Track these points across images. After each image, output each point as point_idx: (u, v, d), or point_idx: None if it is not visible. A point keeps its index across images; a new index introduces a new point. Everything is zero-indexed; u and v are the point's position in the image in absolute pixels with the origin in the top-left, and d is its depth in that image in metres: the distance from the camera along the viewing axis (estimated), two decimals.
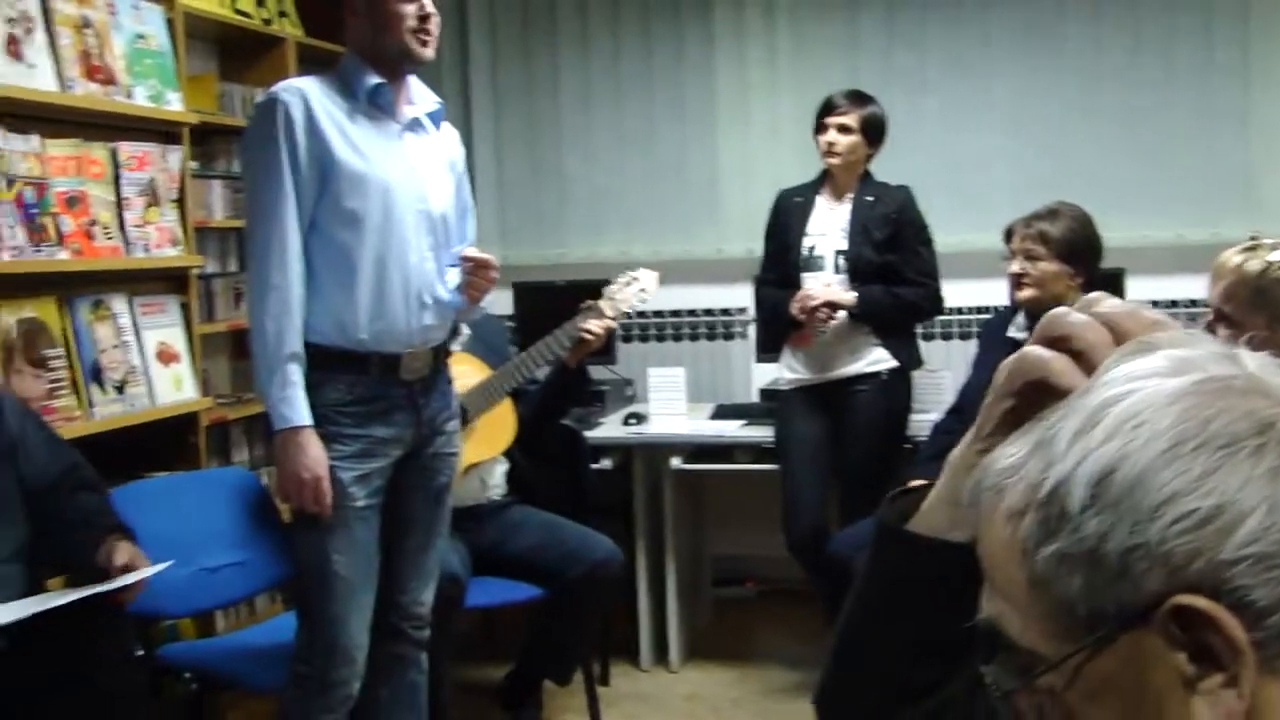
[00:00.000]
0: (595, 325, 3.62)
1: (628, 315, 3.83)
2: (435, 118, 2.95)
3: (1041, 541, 0.81)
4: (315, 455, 2.68)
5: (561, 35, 5.47)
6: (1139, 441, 0.79)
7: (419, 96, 2.91)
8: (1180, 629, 0.76)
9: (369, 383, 2.77)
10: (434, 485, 2.97)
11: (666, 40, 5.37)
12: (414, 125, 2.88)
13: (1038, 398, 0.88)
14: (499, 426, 3.72)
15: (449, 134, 3.04)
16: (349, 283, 2.73)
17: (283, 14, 4.79)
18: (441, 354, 2.94)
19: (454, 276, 2.93)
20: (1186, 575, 0.76)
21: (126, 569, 2.57)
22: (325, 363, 2.74)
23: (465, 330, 3.81)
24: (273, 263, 2.68)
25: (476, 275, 2.89)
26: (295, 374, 2.68)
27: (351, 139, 2.73)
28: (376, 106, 2.80)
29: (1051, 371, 0.88)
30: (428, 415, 2.89)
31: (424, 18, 2.75)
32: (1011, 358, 0.92)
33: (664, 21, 5.37)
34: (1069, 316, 0.90)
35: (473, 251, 2.92)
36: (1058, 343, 0.90)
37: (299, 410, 2.68)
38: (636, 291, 3.71)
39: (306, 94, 2.71)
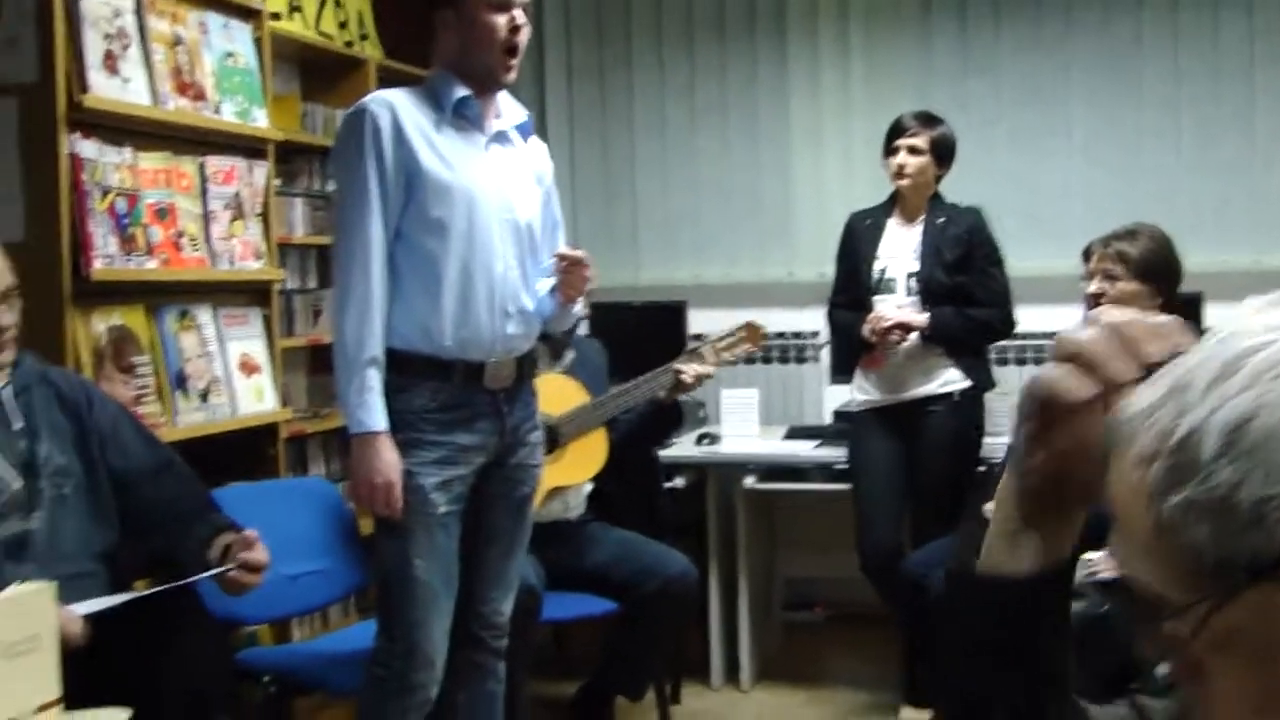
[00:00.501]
0: (697, 370, 3.66)
1: (732, 364, 3.86)
2: (524, 130, 2.99)
3: (1170, 488, 0.81)
4: (389, 460, 2.71)
5: (636, 59, 5.53)
6: (1277, 392, 0.79)
7: (507, 110, 2.95)
8: None
9: (453, 390, 2.79)
10: (516, 495, 2.99)
11: (741, 64, 5.41)
12: (501, 138, 2.92)
13: (1057, 416, 0.90)
14: (590, 453, 3.75)
15: (537, 147, 3.07)
16: (434, 290, 2.76)
17: (364, 36, 4.87)
18: (527, 364, 2.95)
19: (543, 286, 2.96)
20: None
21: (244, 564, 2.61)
22: (410, 369, 2.77)
23: (570, 353, 3.86)
24: (356, 269, 2.72)
25: (571, 273, 2.90)
26: (374, 379, 2.71)
27: (438, 149, 2.77)
28: (463, 118, 2.84)
29: (1058, 390, 0.90)
30: (511, 424, 2.90)
31: (515, 29, 2.77)
32: (1026, 382, 0.94)
33: (738, 45, 5.41)
34: (1076, 333, 0.92)
35: (567, 249, 2.94)
36: (1070, 360, 0.91)
37: (375, 415, 2.70)
38: (744, 343, 3.75)
39: (394, 105, 2.75)
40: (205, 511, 2.80)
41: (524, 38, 2.81)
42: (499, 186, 2.85)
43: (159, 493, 2.79)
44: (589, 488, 3.88)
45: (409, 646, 2.78)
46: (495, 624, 3.01)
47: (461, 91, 2.81)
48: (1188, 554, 0.80)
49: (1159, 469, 0.82)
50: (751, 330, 3.80)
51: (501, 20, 2.76)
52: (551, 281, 2.97)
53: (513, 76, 2.84)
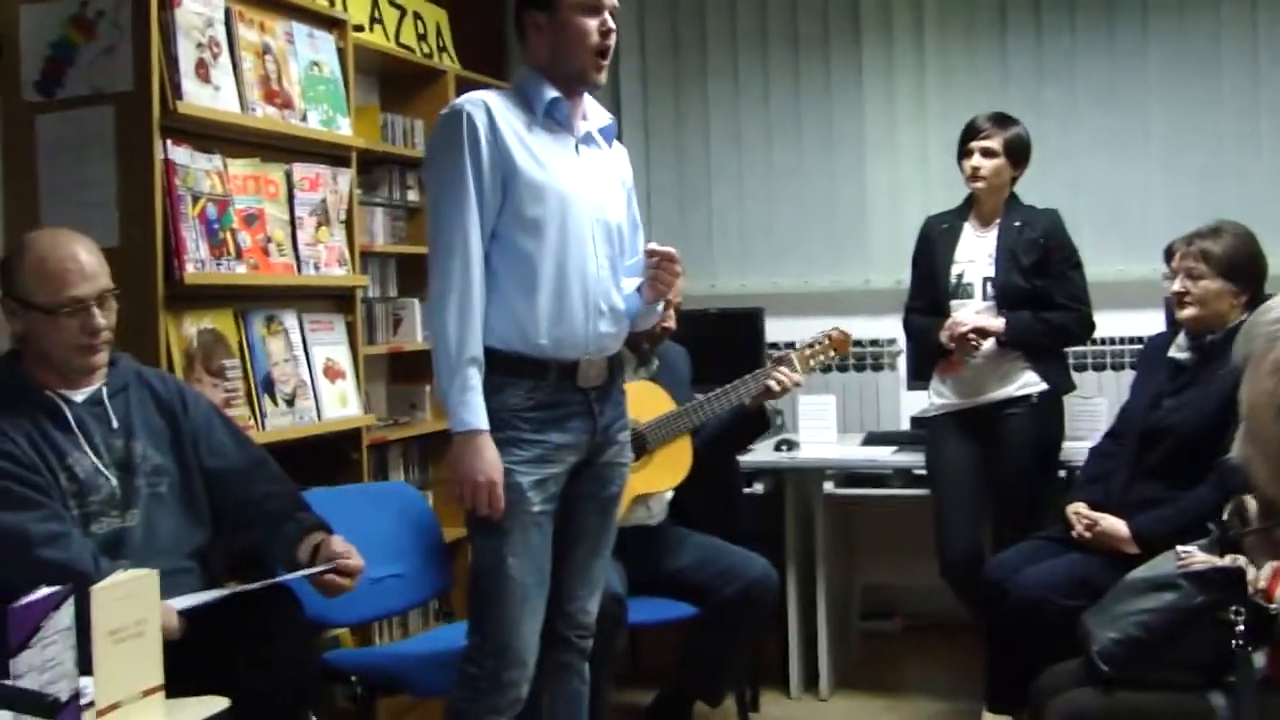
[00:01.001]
0: (785, 378, 3.67)
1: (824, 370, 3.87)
2: (607, 134, 3.00)
3: None
4: (490, 459, 2.71)
5: (711, 69, 5.56)
6: None
7: (593, 113, 2.97)
8: None
9: (548, 389, 2.80)
10: (604, 494, 2.99)
11: (815, 73, 5.42)
12: (588, 139, 2.93)
13: None
14: (675, 461, 3.75)
15: (620, 150, 3.09)
16: (530, 289, 2.76)
17: (442, 49, 4.93)
18: (617, 363, 2.96)
19: (629, 285, 2.97)
20: None
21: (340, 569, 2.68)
22: (506, 368, 2.77)
23: (655, 361, 3.87)
24: (455, 269, 2.72)
25: (662, 269, 2.90)
26: (474, 378, 2.71)
27: (531, 149, 2.79)
28: (554, 120, 2.86)
29: None
30: (603, 423, 2.90)
31: (606, 32, 2.79)
32: None
33: (812, 54, 5.42)
34: None
35: (656, 245, 2.94)
36: None
37: (477, 414, 2.70)
38: (829, 351, 3.74)
39: (489, 105, 2.77)
40: (295, 511, 2.85)
41: (613, 40, 2.83)
42: (590, 187, 2.86)
43: (251, 491, 2.85)
44: (671, 494, 3.88)
45: (501, 645, 2.78)
46: (582, 623, 3.00)
47: (552, 93, 2.83)
48: None
49: None
50: (838, 337, 3.79)
51: (593, 23, 2.78)
52: (637, 281, 2.98)
53: (603, 78, 2.86)
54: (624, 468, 3.03)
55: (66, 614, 1.84)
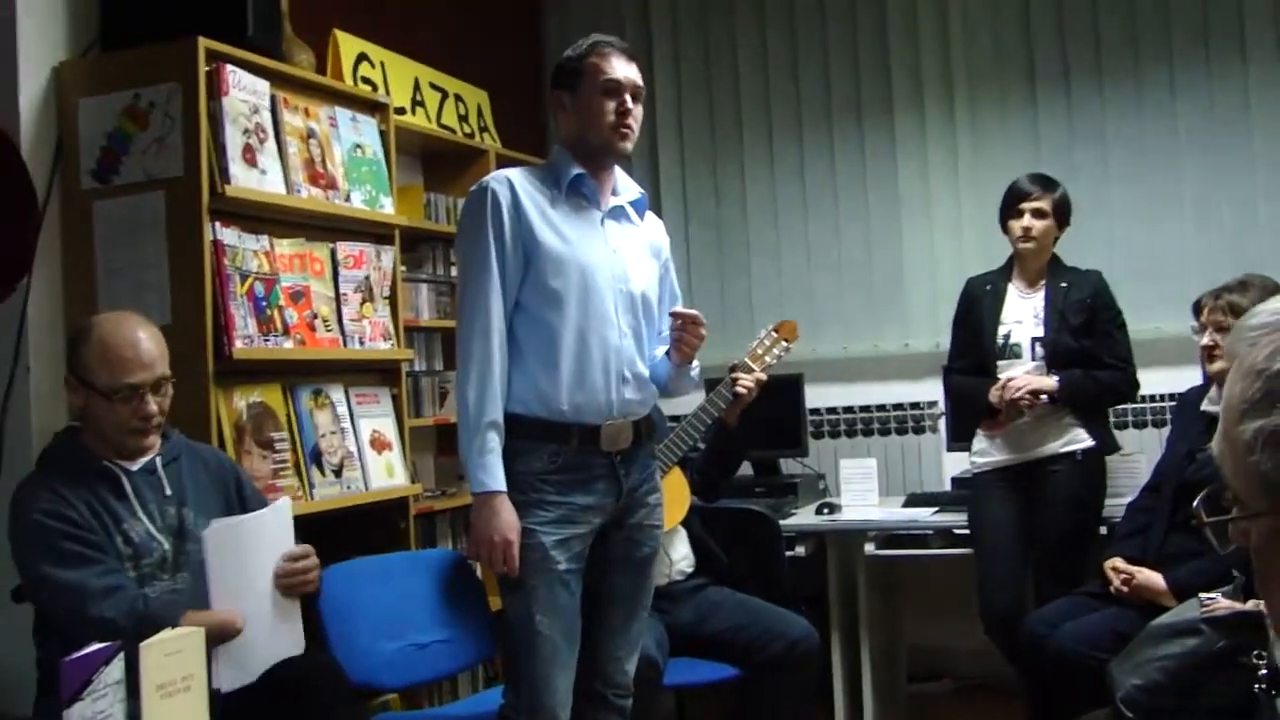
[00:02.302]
0: (747, 380, 3.71)
1: (777, 361, 3.87)
2: (639, 206, 3.12)
3: (1256, 410, 0.86)
4: (506, 520, 2.81)
5: (747, 144, 5.68)
6: None
7: (624, 187, 3.10)
8: None
9: (570, 452, 2.89)
10: (637, 556, 3.06)
11: (848, 143, 5.52)
12: (617, 213, 3.05)
13: None
14: (674, 495, 3.78)
15: (653, 223, 3.21)
16: (552, 358, 2.87)
17: (484, 128, 5.08)
18: (644, 428, 3.04)
19: (659, 352, 3.07)
20: None
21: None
22: (530, 432, 2.88)
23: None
24: (476, 337, 2.86)
25: (686, 331, 2.99)
26: (493, 441, 2.83)
27: (553, 223, 2.92)
28: (580, 194, 2.99)
29: None
30: (629, 485, 2.98)
31: (623, 113, 2.93)
32: None
33: (845, 125, 5.52)
34: None
35: (680, 308, 3.05)
36: None
37: (494, 476, 2.82)
38: (779, 342, 3.78)
39: (513, 181, 2.92)
40: None
41: (636, 117, 2.97)
42: (614, 259, 2.97)
43: None
44: (685, 539, 3.93)
45: (534, 701, 2.85)
46: (620, 683, 3.06)
47: (576, 170, 2.96)
48: (1254, 472, 0.86)
49: (1257, 389, 0.87)
50: (785, 325, 3.82)
51: (611, 104, 2.93)
52: (666, 346, 3.06)
53: (628, 146, 2.98)
54: (656, 530, 3.10)
55: (117, 668, 1.93)
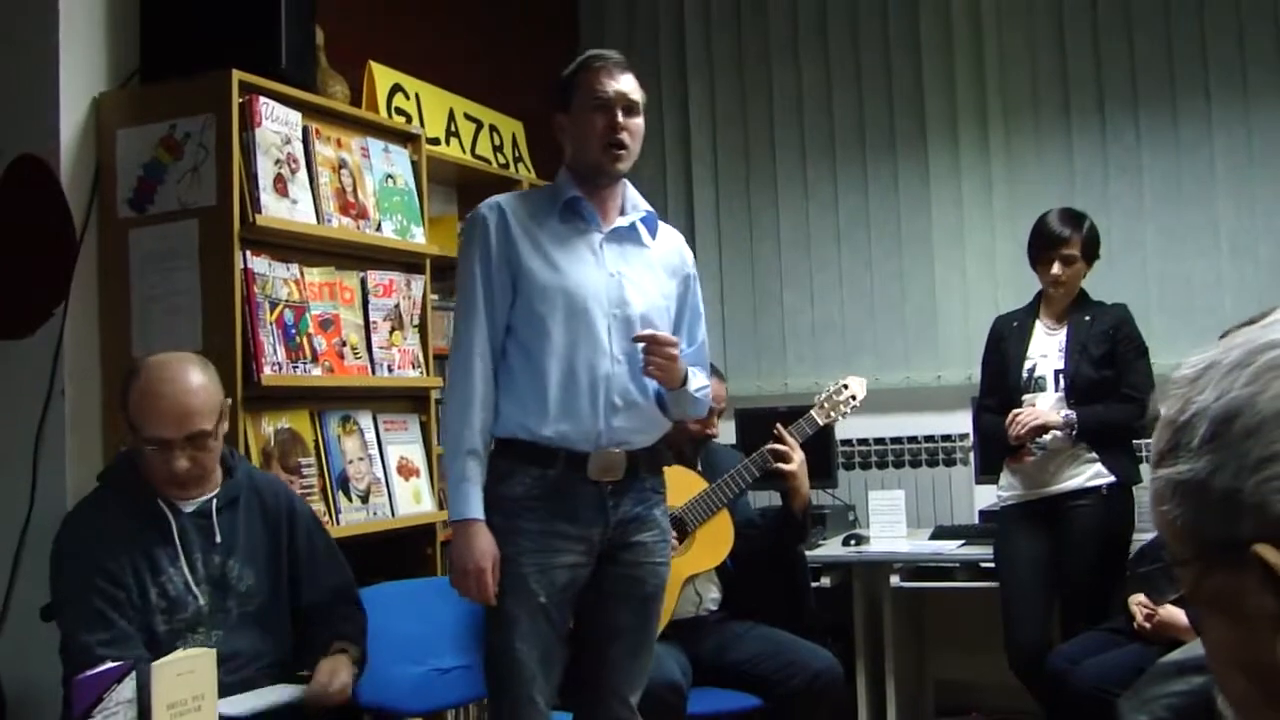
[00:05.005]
0: (784, 448, 3.76)
1: (841, 417, 3.93)
2: (649, 224, 3.04)
3: (1161, 461, 0.88)
4: (481, 548, 2.77)
5: (780, 175, 5.70)
6: (1268, 393, 0.83)
7: (633, 206, 3.03)
8: (1265, 573, 0.81)
9: (554, 478, 2.84)
10: (641, 593, 2.97)
11: (882, 175, 5.53)
12: (620, 234, 2.98)
13: None
14: (717, 538, 3.83)
15: (669, 240, 3.11)
16: (539, 383, 2.84)
17: (518, 158, 5.13)
18: (642, 458, 2.95)
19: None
20: (1273, 528, 0.80)
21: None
22: (514, 455, 2.85)
23: (699, 465, 3.95)
24: (459, 367, 2.87)
25: (652, 354, 2.84)
26: (473, 470, 2.80)
27: (543, 248, 2.88)
28: (578, 217, 2.94)
29: None
30: (617, 518, 2.89)
31: (612, 128, 2.87)
32: None
33: (879, 156, 5.54)
34: None
35: (645, 332, 2.89)
36: None
37: (471, 504, 2.79)
38: (847, 398, 3.81)
39: (504, 207, 2.91)
40: (339, 624, 2.93)
41: (632, 132, 2.90)
42: (610, 283, 2.91)
43: (328, 621, 2.93)
44: (716, 583, 3.94)
45: None
46: (623, 718, 2.98)
47: (572, 192, 2.92)
48: (1165, 521, 0.87)
49: (1166, 440, 0.89)
50: (853, 381, 3.92)
51: (601, 120, 2.87)
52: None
53: (622, 166, 2.92)
54: (660, 566, 3.01)
55: (129, 687, 1.97)
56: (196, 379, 2.75)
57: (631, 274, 2.97)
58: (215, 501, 2.81)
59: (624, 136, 2.89)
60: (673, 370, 2.87)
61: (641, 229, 3.03)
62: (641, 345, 2.87)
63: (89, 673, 1.92)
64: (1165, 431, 0.89)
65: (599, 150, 2.89)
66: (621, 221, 2.99)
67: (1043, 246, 4.09)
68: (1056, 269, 4.03)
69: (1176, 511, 0.87)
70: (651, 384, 2.94)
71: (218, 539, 2.78)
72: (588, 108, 2.89)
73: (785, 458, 3.78)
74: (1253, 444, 0.83)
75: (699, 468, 3.97)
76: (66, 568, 2.68)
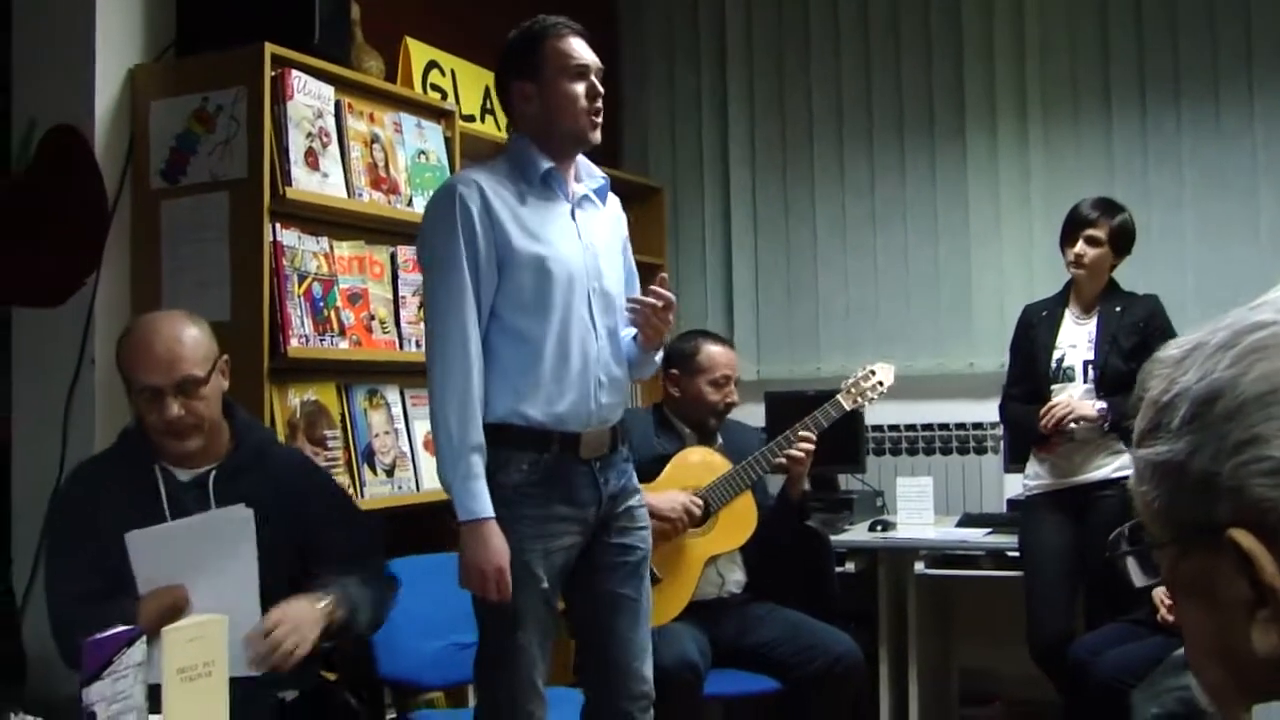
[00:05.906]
0: (801, 445, 3.78)
1: (867, 402, 3.94)
2: (601, 193, 3.01)
3: (1142, 441, 0.87)
4: (497, 547, 2.71)
5: (818, 159, 5.67)
6: (1250, 375, 0.83)
7: (586, 173, 3.00)
8: (1240, 558, 0.81)
9: (550, 461, 2.81)
10: (631, 559, 2.96)
11: (919, 161, 5.49)
12: (583, 202, 2.95)
13: None
14: (741, 519, 3.83)
15: (614, 206, 3.10)
16: (530, 367, 2.78)
17: None
18: (621, 431, 2.95)
19: (626, 333, 2.99)
20: (1250, 512, 0.81)
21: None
22: (508, 441, 2.78)
23: (718, 439, 3.95)
24: (454, 356, 2.74)
25: (657, 317, 2.88)
26: (478, 466, 2.71)
27: (527, 225, 2.81)
28: (549, 188, 2.89)
29: None
30: (609, 491, 2.90)
31: (593, 97, 2.85)
32: None
33: (917, 142, 5.50)
34: None
35: (657, 289, 2.89)
36: None
37: (482, 502, 2.71)
38: (875, 384, 3.80)
39: (481, 184, 2.79)
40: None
41: (600, 102, 2.88)
42: (587, 256, 2.88)
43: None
44: (740, 564, 3.94)
45: (511, 714, 2.82)
46: (641, 693, 2.97)
47: (546, 164, 2.86)
48: (1144, 502, 0.87)
49: (1147, 421, 0.88)
50: (880, 368, 3.93)
51: (580, 88, 2.84)
52: (633, 331, 2.98)
53: (598, 136, 2.89)
54: (644, 531, 3.00)
55: (139, 650, 1.99)
56: (185, 329, 2.70)
57: (600, 245, 2.95)
58: (216, 473, 2.72)
59: (598, 105, 2.87)
60: (664, 334, 2.92)
61: (595, 197, 3.00)
62: (646, 309, 2.88)
63: (100, 635, 1.94)
64: (1148, 411, 0.89)
65: (581, 119, 2.85)
66: (579, 189, 2.96)
67: (1071, 226, 4.07)
68: (1079, 247, 4.01)
69: (1155, 493, 0.86)
70: (624, 353, 2.96)
71: (212, 509, 2.68)
72: (566, 75, 2.85)
73: (799, 459, 3.81)
74: (1233, 426, 0.83)
75: (718, 442, 3.97)
76: (56, 520, 2.76)
